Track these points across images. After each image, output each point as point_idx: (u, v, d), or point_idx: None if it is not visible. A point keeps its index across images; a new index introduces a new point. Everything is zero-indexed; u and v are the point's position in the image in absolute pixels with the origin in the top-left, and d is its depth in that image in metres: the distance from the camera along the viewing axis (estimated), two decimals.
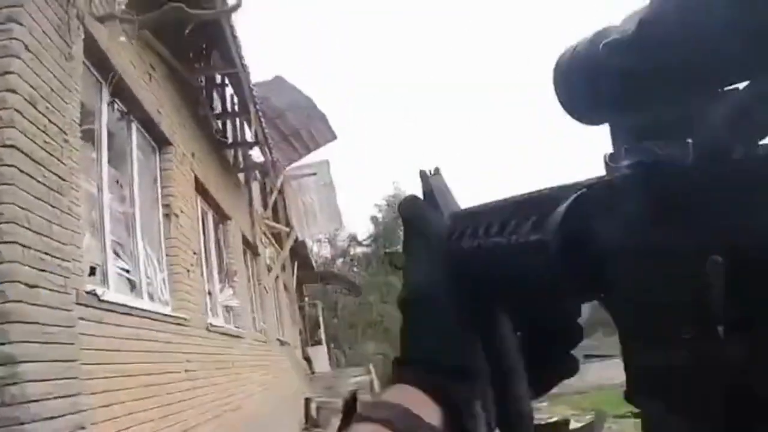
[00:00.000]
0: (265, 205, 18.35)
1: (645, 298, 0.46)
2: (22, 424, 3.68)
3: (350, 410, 0.61)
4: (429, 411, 0.61)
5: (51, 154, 4.40)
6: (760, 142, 0.39)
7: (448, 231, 0.72)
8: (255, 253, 15.51)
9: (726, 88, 0.41)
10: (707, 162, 0.39)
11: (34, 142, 4.18)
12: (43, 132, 4.32)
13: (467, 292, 0.66)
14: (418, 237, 0.72)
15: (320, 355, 28.44)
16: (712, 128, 0.39)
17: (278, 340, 17.52)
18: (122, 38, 5.94)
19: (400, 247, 0.75)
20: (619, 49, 0.45)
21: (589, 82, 0.49)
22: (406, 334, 0.68)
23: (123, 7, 5.89)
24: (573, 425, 11.36)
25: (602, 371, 21.49)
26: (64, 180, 4.59)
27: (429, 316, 0.67)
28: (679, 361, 0.42)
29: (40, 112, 4.29)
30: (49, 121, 4.42)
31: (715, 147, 0.39)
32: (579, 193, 0.53)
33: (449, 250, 0.69)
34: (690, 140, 0.40)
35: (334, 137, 16.74)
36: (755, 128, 0.39)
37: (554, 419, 12.53)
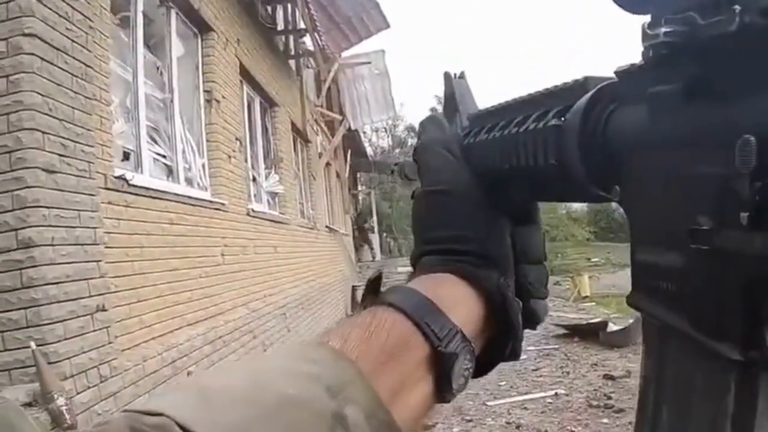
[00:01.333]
0: (318, 93, 18.32)
1: (665, 185, 0.44)
2: (39, 305, 3.88)
3: (373, 289, 0.60)
4: (463, 297, 0.63)
5: (74, 41, 4.45)
6: None
7: (466, 130, 0.73)
8: (305, 141, 15.59)
9: None
10: (751, 34, 0.36)
11: (56, 30, 4.23)
12: (66, 19, 4.35)
13: (486, 184, 0.67)
14: (434, 136, 0.72)
15: (372, 244, 28.87)
16: (760, 4, 0.35)
17: (327, 227, 17.80)
18: None
19: (410, 158, 0.77)
20: None
21: None
22: (430, 226, 0.69)
23: None
24: (611, 328, 11.39)
25: None
26: (89, 66, 4.65)
27: (452, 207, 0.67)
28: (697, 256, 0.40)
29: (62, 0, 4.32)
30: (73, 8, 4.45)
31: (760, 20, 0.35)
32: (607, 81, 0.52)
33: (467, 145, 0.70)
34: (737, 7, 0.36)
35: (387, 26, 16.41)
36: None
37: (595, 320, 12.58)
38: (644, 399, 0.48)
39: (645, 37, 0.44)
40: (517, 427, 6.86)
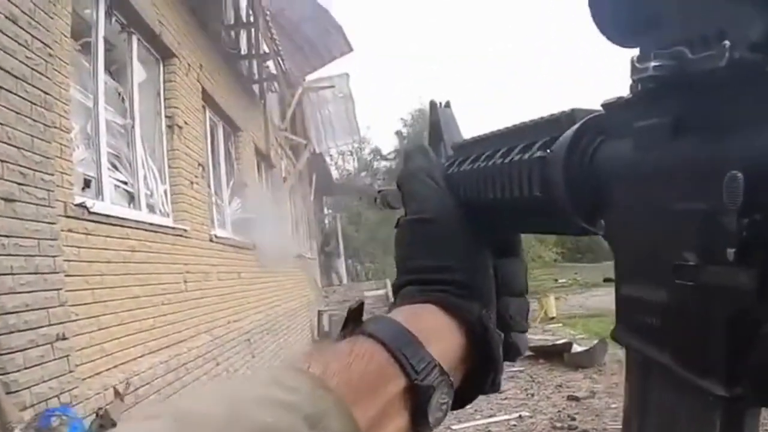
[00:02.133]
0: (282, 117, 18.34)
1: (651, 220, 0.44)
2: None
3: (354, 319, 0.59)
4: (444, 329, 0.62)
5: (34, 69, 4.44)
6: None
7: (451, 159, 0.74)
8: (270, 165, 15.57)
9: None
10: (740, 69, 0.36)
11: (15, 58, 4.22)
12: (25, 47, 4.34)
13: (469, 216, 0.67)
14: (419, 164, 0.72)
15: (338, 268, 28.82)
16: (750, 39, 0.35)
17: (294, 251, 17.72)
18: None
19: (393, 185, 0.76)
20: None
21: None
22: (413, 255, 0.68)
23: None
24: (575, 349, 11.49)
25: None
26: (48, 94, 4.63)
27: (436, 236, 0.67)
28: (682, 291, 0.40)
29: (21, 28, 4.31)
30: (32, 36, 4.44)
31: (750, 56, 0.35)
32: (594, 114, 0.52)
33: (452, 174, 0.70)
34: (727, 43, 0.36)
35: (350, 49, 16.58)
36: None
37: (561, 341, 12.67)
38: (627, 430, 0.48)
39: (634, 70, 0.44)
40: None
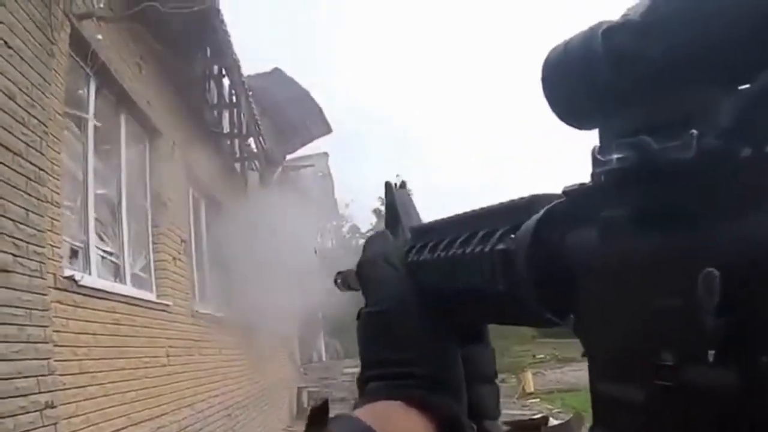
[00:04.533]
0: (263, 195, 18.54)
1: (623, 316, 0.41)
2: None
3: (318, 420, 0.55)
4: (414, 428, 0.59)
5: (29, 146, 4.62)
6: None
7: (409, 244, 0.71)
8: (251, 241, 15.66)
9: (738, 86, 0.36)
10: (710, 159, 0.35)
11: (12, 134, 4.40)
12: (22, 124, 4.53)
13: (431, 304, 0.64)
14: (378, 250, 0.70)
15: (318, 345, 28.63)
16: (719, 124, 0.34)
17: (274, 328, 17.68)
18: (99, 36, 6.15)
19: (352, 268, 0.75)
20: (623, 33, 0.41)
21: (584, 73, 0.43)
22: (375, 348, 0.65)
23: (101, 5, 6.10)
24: (552, 422, 11.51)
25: None
26: (42, 170, 4.81)
27: (398, 328, 0.64)
28: (661, 392, 0.38)
29: (19, 105, 4.51)
30: (29, 114, 4.64)
31: (720, 144, 0.34)
32: (556, 201, 0.50)
33: (412, 263, 0.67)
34: (694, 132, 0.35)
35: (329, 130, 17.00)
36: (765, 128, 0.34)
37: (537, 416, 12.66)
38: None
39: (596, 162, 0.42)
40: None
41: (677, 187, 0.37)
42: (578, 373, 22.60)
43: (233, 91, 12.24)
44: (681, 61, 0.37)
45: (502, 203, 0.58)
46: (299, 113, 15.87)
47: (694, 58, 0.37)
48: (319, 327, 29.17)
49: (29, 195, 4.58)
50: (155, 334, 7.51)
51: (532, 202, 0.53)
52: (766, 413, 0.34)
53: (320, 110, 16.04)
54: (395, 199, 0.78)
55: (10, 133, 4.38)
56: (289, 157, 18.55)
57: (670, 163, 0.36)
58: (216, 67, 11.56)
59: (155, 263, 8.22)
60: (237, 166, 14.26)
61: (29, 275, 4.46)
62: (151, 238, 8.21)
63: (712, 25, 0.36)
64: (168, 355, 7.78)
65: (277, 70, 15.42)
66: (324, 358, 28.06)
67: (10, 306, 4.20)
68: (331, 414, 0.56)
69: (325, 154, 19.89)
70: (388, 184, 0.79)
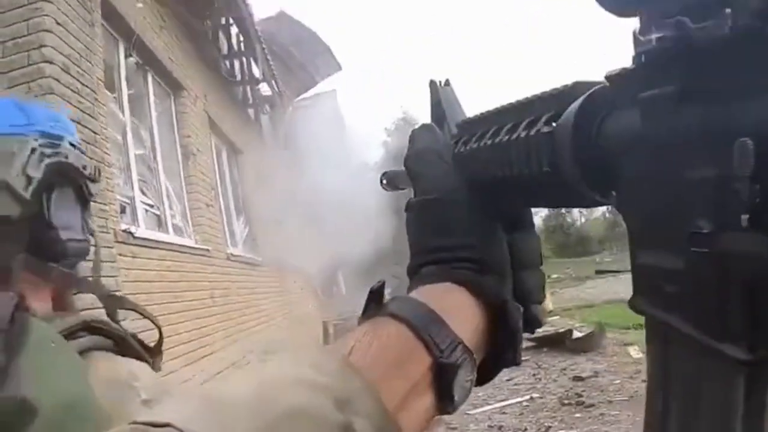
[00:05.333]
0: (276, 138, 18.83)
1: (662, 189, 0.43)
2: None
3: (376, 300, 0.58)
4: (465, 306, 0.61)
5: (84, 112, 5.01)
6: None
7: (455, 138, 0.72)
8: (269, 184, 16.00)
9: None
10: (743, 37, 0.35)
11: (71, 104, 4.79)
12: (77, 93, 4.92)
13: (479, 193, 0.66)
14: (426, 144, 0.71)
15: (338, 279, 29.16)
16: (751, 4, 0.35)
17: (296, 266, 18.15)
18: (139, 4, 6.48)
19: (400, 167, 0.76)
20: None
21: None
22: (426, 235, 0.67)
23: None
24: (575, 335, 12.06)
25: (613, 286, 22.09)
26: (97, 134, 5.22)
27: (449, 215, 0.66)
28: (698, 259, 0.40)
29: (72, 76, 4.88)
30: (81, 83, 5.01)
31: (752, 23, 0.35)
32: (598, 86, 0.52)
33: (458, 153, 0.69)
34: (728, 10, 0.36)
35: (339, 68, 17.20)
36: None
37: (561, 330, 13.15)
38: (652, 404, 0.48)
39: (637, 42, 0.43)
40: (500, 428, 7.44)
41: (712, 63, 0.38)
42: (593, 291, 23.08)
43: (241, 39, 12.47)
44: None
45: (545, 91, 0.59)
46: (308, 54, 16.06)
47: None
48: (338, 263, 29.65)
49: (90, 158, 4.93)
50: (199, 278, 7.99)
51: (576, 89, 0.54)
52: None
53: (328, 49, 16.22)
54: (440, 96, 0.79)
55: (68, 102, 4.77)
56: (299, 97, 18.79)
57: (705, 40, 0.37)
58: (223, 18, 11.78)
59: (191, 211, 8.66)
60: (251, 112, 14.56)
61: (98, 231, 4.90)
62: (185, 189, 8.65)
63: None
64: (212, 297, 8.27)
65: (282, 13, 15.58)
66: (344, 291, 28.63)
67: (87, 260, 4.65)
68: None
69: (334, 91, 20.06)
70: (432, 82, 0.80)
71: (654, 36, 0.42)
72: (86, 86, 5.11)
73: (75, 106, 4.86)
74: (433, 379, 0.54)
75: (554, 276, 33.79)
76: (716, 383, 0.41)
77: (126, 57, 7.17)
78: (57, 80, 4.65)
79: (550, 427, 7.26)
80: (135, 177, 6.93)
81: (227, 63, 12.31)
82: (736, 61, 0.37)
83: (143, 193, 7.34)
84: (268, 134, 17.01)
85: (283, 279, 15.16)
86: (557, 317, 18.20)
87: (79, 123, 4.87)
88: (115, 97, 6.83)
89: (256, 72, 13.26)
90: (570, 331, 12.37)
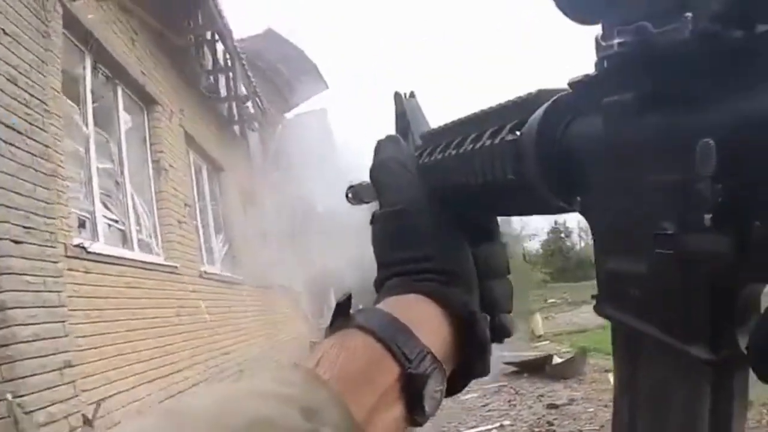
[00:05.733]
0: (265, 156, 18.78)
1: (627, 193, 0.44)
2: (14, 361, 4.29)
3: (343, 312, 0.57)
4: (431, 317, 0.61)
5: (32, 124, 4.93)
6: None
7: (420, 149, 0.72)
8: (253, 201, 15.94)
9: None
10: (704, 41, 0.36)
11: (16, 114, 4.71)
12: (25, 105, 4.83)
13: (444, 204, 0.67)
14: (390, 154, 0.72)
15: (330, 300, 28.98)
16: (712, 9, 0.36)
17: (281, 285, 18.03)
18: (90, 15, 6.40)
19: (364, 180, 0.77)
20: None
21: None
22: (392, 247, 0.68)
23: None
24: (556, 360, 11.91)
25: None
26: (47, 147, 5.12)
27: (414, 227, 0.67)
28: (662, 260, 0.40)
29: (20, 87, 4.80)
30: (30, 95, 4.93)
31: (713, 26, 0.36)
32: (561, 93, 0.52)
33: (423, 165, 0.70)
34: (689, 15, 0.37)
35: (326, 87, 17.21)
36: (757, 10, 0.36)
37: (542, 355, 13.01)
38: (619, 408, 0.48)
39: (599, 48, 0.44)
40: None
41: (674, 68, 0.39)
42: (588, 315, 22.83)
43: (228, 56, 12.45)
44: None
45: (509, 100, 0.59)
46: (295, 72, 16.05)
47: None
48: (330, 281, 29.46)
49: (35, 170, 4.89)
50: (165, 295, 7.88)
51: (540, 96, 0.54)
52: (759, 275, 0.37)
53: (315, 67, 16.21)
54: (405, 107, 0.79)
55: (13, 113, 4.68)
56: (288, 116, 18.77)
57: (666, 45, 0.38)
58: (209, 33, 11.76)
59: (161, 227, 8.54)
60: (236, 129, 14.50)
61: (41, 245, 4.80)
62: (155, 204, 8.54)
63: None
64: (178, 315, 8.13)
65: (270, 31, 15.58)
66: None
67: (26, 274, 4.54)
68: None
69: (324, 110, 20.05)
70: (397, 94, 0.80)
71: (616, 41, 0.42)
72: (35, 97, 5.02)
73: (21, 118, 4.76)
74: (402, 389, 0.53)
75: (550, 300, 33.60)
76: (683, 385, 0.42)
77: (93, 69, 7.08)
78: (2, 90, 4.56)
79: None
80: (96, 191, 6.80)
81: (211, 78, 12.27)
82: (696, 64, 0.37)
83: (107, 207, 7.23)
84: (256, 151, 16.97)
85: (267, 298, 15.01)
86: (546, 342, 18.01)
87: (25, 135, 4.78)
88: (79, 110, 6.74)
89: (240, 89, 13.22)
90: (550, 357, 12.22)
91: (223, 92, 13.33)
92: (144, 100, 8.65)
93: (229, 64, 12.49)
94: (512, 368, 12.58)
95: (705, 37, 0.36)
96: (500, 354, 14.53)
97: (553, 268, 47.90)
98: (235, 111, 14.08)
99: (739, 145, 0.35)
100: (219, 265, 11.62)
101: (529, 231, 47.40)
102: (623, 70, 0.43)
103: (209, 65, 12.33)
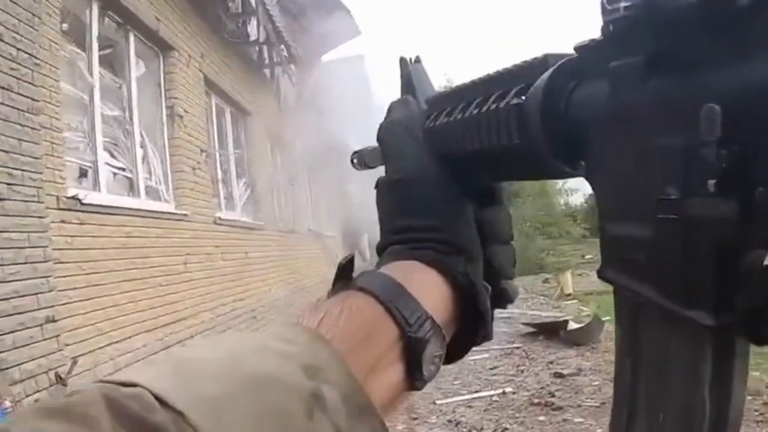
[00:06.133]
0: (298, 98, 18.68)
1: (631, 158, 0.44)
2: None
3: (344, 275, 0.58)
4: (432, 284, 0.62)
5: (20, 79, 4.88)
6: None
7: (426, 113, 0.72)
8: (282, 145, 15.90)
9: None
10: (710, 5, 0.36)
11: (1, 71, 4.66)
12: (11, 60, 4.78)
13: (448, 169, 0.67)
14: (398, 117, 0.72)
15: (361, 245, 29.10)
16: None
17: (309, 230, 18.09)
18: None
19: (369, 146, 0.78)
20: None
21: None
22: (395, 215, 0.68)
23: None
24: (571, 326, 11.77)
25: None
26: (36, 101, 5.08)
27: (417, 195, 0.67)
28: (665, 225, 0.40)
29: (6, 42, 4.74)
30: (17, 49, 4.87)
31: None
32: (567, 58, 0.52)
33: (428, 129, 0.70)
34: None
35: (358, 33, 16.96)
36: None
37: (561, 319, 12.88)
38: (621, 373, 0.49)
39: (605, 12, 0.44)
40: (456, 425, 7.25)
41: (680, 32, 0.39)
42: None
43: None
44: None
45: (515, 64, 0.59)
46: (327, 16, 15.82)
47: None
48: (364, 227, 29.54)
49: (22, 125, 4.86)
50: (171, 243, 7.89)
51: (545, 61, 0.55)
52: (763, 241, 0.37)
53: (348, 12, 15.95)
54: (410, 72, 0.79)
55: None
56: (325, 60, 18.58)
57: (673, 8, 0.39)
58: None
59: (173, 174, 8.54)
60: (267, 72, 14.38)
61: (25, 201, 4.80)
62: (168, 151, 8.51)
63: None
64: (186, 263, 8.17)
65: None
66: (368, 258, 28.52)
67: (6, 231, 4.55)
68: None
69: (362, 56, 19.83)
70: (402, 59, 0.80)
71: (622, 5, 0.42)
72: (24, 51, 4.96)
73: (5, 73, 4.72)
74: (401, 352, 0.54)
75: (588, 256, 33.18)
76: (684, 351, 0.42)
77: (100, 16, 7.00)
78: None
79: (506, 429, 7.06)
80: (99, 139, 6.77)
81: (241, 21, 12.12)
82: (702, 29, 0.37)
83: (113, 155, 7.21)
84: (288, 95, 16.88)
85: (290, 243, 15.05)
86: (575, 301, 17.79)
87: (10, 90, 4.74)
88: (85, 57, 6.69)
89: (263, 33, 13.05)
90: (566, 322, 12.06)
91: (253, 35, 13.19)
92: (159, 46, 8.57)
93: (258, 7, 12.30)
94: (530, 329, 12.49)
95: (711, 1, 0.36)
96: (522, 312, 14.49)
97: (593, 223, 47.04)
98: (266, 54, 13.96)
99: (745, 111, 0.35)
100: (239, 211, 11.62)
101: (571, 185, 46.90)
102: (629, 34, 0.43)
103: (238, 8, 12.17)
